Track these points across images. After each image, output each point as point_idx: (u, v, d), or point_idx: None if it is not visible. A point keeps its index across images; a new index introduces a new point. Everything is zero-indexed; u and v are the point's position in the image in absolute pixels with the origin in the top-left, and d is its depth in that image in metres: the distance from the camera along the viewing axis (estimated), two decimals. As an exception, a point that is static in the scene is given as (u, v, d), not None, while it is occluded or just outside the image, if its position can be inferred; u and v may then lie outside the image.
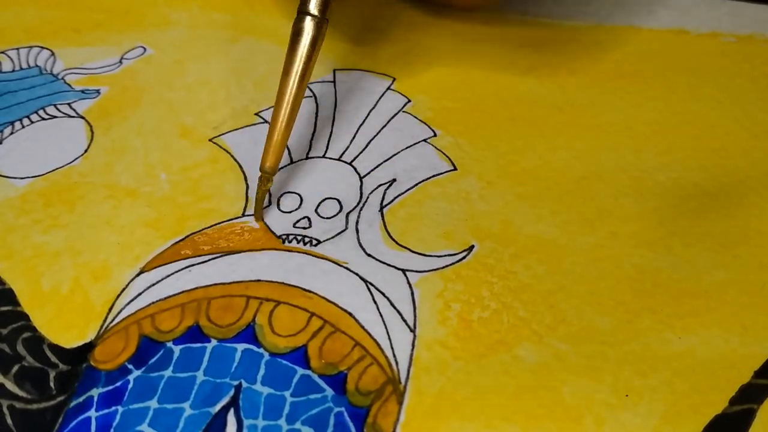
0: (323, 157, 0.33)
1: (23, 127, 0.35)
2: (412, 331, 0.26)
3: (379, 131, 0.35)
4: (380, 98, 0.37)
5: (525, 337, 0.26)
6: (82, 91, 0.37)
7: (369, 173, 0.32)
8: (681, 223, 0.30)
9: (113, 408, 0.24)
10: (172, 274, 0.28)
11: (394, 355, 0.25)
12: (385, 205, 0.31)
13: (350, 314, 0.26)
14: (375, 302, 0.27)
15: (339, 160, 0.33)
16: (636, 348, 0.26)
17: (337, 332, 0.26)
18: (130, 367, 0.25)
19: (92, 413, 0.24)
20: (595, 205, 0.31)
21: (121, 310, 0.27)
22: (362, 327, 0.26)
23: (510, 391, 0.25)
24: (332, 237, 0.29)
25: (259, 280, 0.28)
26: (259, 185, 0.29)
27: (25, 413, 0.24)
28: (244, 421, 0.24)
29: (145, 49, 0.40)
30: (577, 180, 0.32)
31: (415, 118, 0.35)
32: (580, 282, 0.28)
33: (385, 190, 0.31)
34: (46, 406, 0.25)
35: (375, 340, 0.26)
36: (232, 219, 0.30)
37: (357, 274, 0.28)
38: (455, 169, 0.33)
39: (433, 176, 0.32)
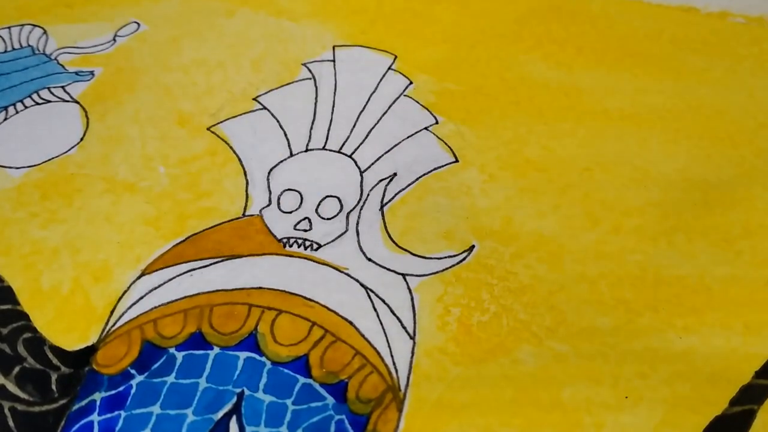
0: (323, 149, 0.33)
1: (17, 112, 0.34)
2: (412, 338, 0.26)
3: (380, 118, 0.34)
4: (381, 80, 0.36)
5: (525, 340, 0.26)
6: (76, 73, 0.36)
7: (369, 167, 0.32)
8: (684, 217, 0.30)
9: (116, 412, 0.25)
10: (174, 277, 0.28)
11: (394, 363, 0.26)
12: (386, 203, 0.31)
13: (351, 323, 0.26)
14: (375, 310, 0.27)
15: (339, 152, 0.32)
16: (636, 348, 0.26)
17: (338, 342, 0.26)
18: (133, 371, 0.25)
19: (95, 417, 0.24)
20: (598, 198, 0.31)
21: (123, 314, 0.27)
22: (363, 336, 0.26)
23: (509, 396, 0.25)
24: (333, 240, 0.29)
25: (260, 288, 0.27)
26: None
27: (27, 415, 0.25)
28: (247, 429, 0.24)
29: (138, 24, 0.39)
30: (581, 172, 0.32)
31: (417, 102, 0.35)
32: (581, 281, 0.28)
33: (386, 186, 0.31)
34: (48, 408, 0.25)
35: (375, 349, 0.26)
36: (232, 219, 0.30)
37: (357, 281, 0.28)
38: (457, 160, 0.32)
39: (434, 169, 0.32)
